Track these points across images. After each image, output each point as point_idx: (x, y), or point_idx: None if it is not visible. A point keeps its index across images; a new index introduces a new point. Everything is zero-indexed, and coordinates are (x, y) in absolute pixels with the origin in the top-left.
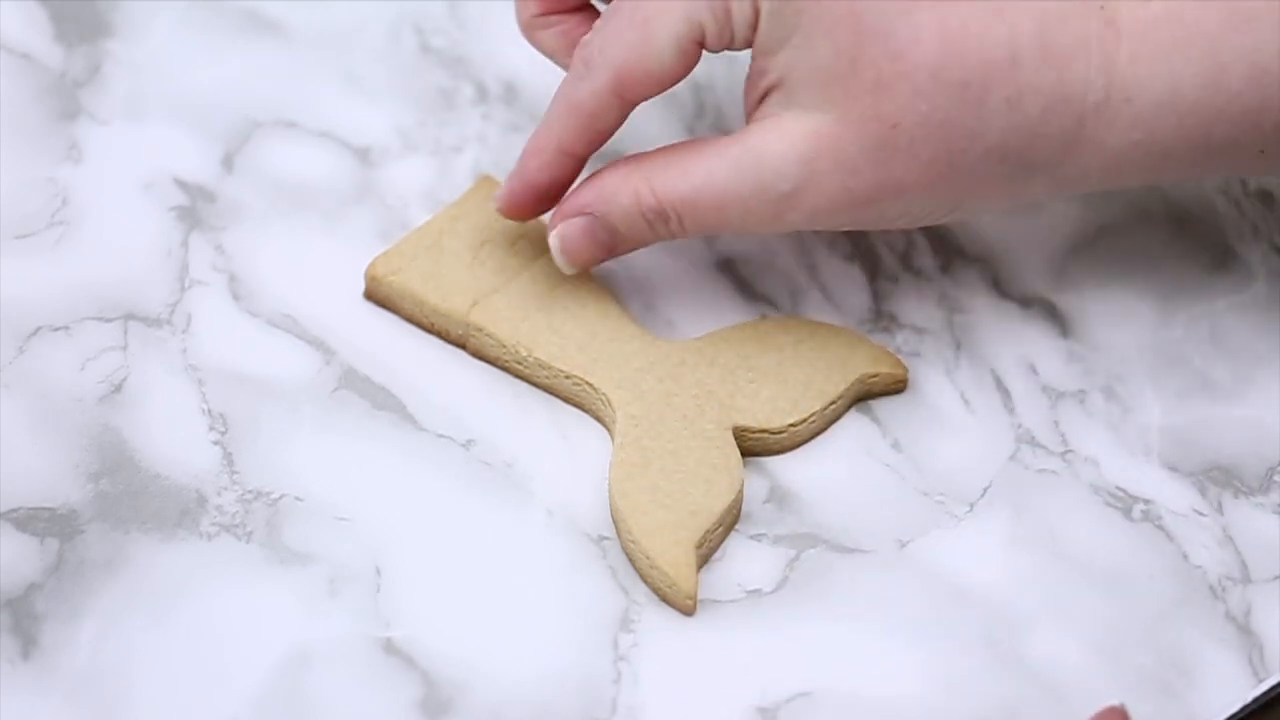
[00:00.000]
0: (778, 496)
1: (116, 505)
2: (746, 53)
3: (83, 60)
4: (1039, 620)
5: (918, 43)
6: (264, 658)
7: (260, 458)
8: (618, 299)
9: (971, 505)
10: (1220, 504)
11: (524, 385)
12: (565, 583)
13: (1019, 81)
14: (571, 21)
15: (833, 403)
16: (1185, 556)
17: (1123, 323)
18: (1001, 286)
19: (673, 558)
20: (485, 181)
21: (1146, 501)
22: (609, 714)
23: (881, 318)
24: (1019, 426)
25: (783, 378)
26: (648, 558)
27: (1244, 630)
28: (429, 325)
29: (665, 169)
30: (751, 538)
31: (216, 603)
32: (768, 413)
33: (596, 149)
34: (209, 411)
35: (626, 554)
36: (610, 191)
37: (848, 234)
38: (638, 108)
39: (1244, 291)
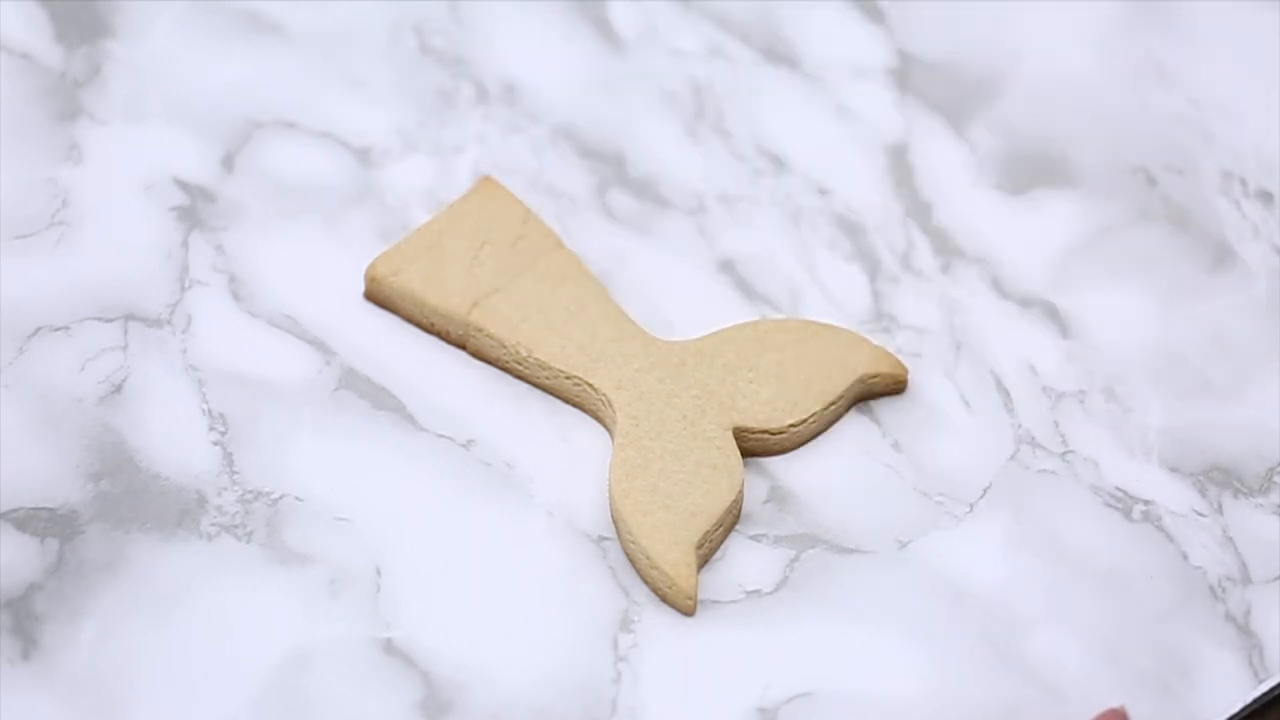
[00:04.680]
0: (778, 496)
1: (116, 505)
2: (746, 53)
3: (83, 60)
4: (1039, 620)
5: None
6: (264, 658)
7: (260, 458)
8: (618, 299)
9: (971, 505)
10: (1220, 504)
11: (524, 385)
12: (565, 583)
13: None
14: None
15: (833, 403)
16: (1185, 557)
17: (1123, 323)
18: (1001, 286)
19: (673, 558)
20: (485, 182)
21: (1146, 502)
22: (609, 714)
23: (881, 318)
24: (1019, 426)
25: (783, 378)
26: (648, 558)
27: (1244, 631)
28: (429, 325)
29: None
30: (751, 538)
31: (216, 603)
32: (768, 413)
33: None
34: (209, 411)
35: (626, 554)
36: None
37: (848, 234)
38: (636, 106)
39: (1244, 291)
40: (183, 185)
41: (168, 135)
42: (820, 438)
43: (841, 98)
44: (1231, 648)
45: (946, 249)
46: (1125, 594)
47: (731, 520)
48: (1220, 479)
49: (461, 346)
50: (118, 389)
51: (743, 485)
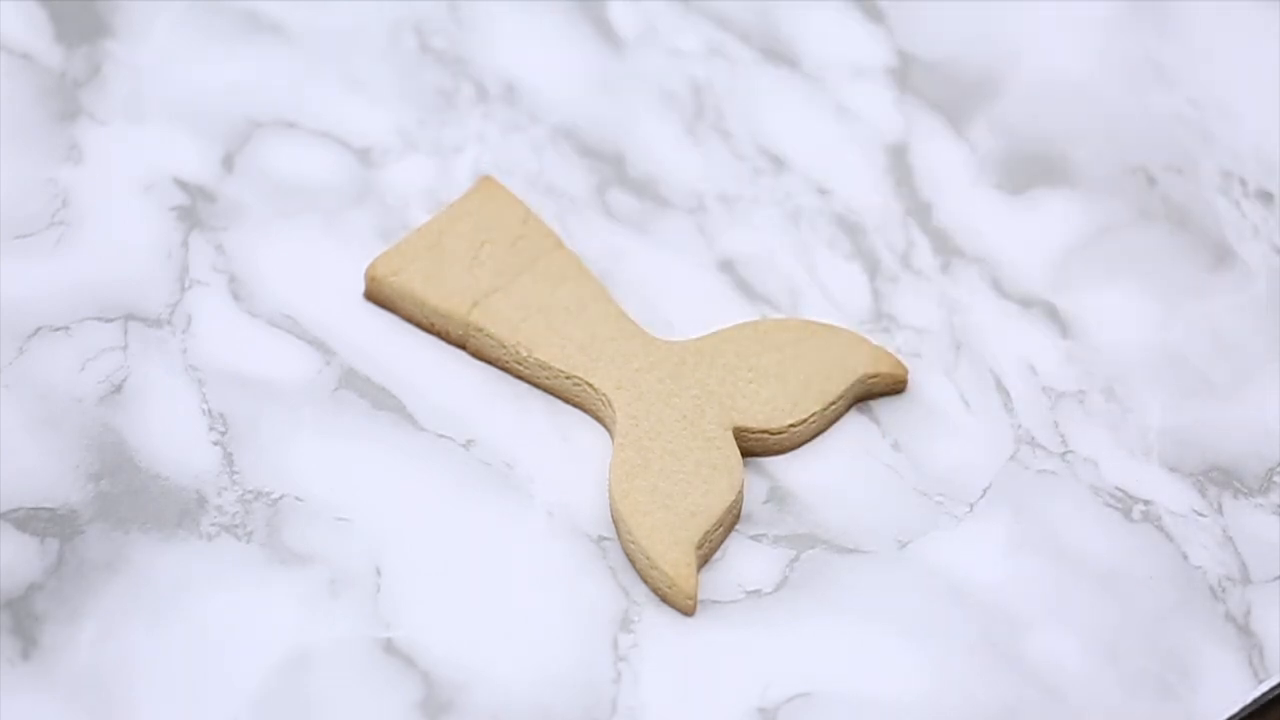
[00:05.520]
0: (778, 496)
1: (116, 505)
2: (746, 53)
3: (83, 60)
4: (1039, 620)
5: None
6: (264, 658)
7: (260, 458)
8: (618, 299)
9: (971, 505)
10: (1220, 504)
11: (524, 385)
12: (565, 583)
13: None
14: None
15: (833, 403)
16: (1185, 557)
17: (1123, 323)
18: (1001, 286)
19: (673, 558)
20: (485, 181)
21: (1146, 502)
22: (609, 714)
23: (881, 318)
24: (1019, 426)
25: (783, 378)
26: (648, 558)
27: (1244, 631)
28: (429, 325)
29: None
30: (751, 538)
31: (216, 603)
32: (768, 413)
33: None
34: (209, 411)
35: (626, 554)
36: None
37: (848, 234)
38: (636, 106)
39: (1244, 291)
40: (183, 185)
41: (168, 135)
42: (820, 438)
43: (841, 98)
44: (1231, 648)
45: (946, 249)
46: (1125, 594)
47: (731, 520)
48: (1220, 479)
49: (461, 346)
50: (118, 389)
51: (743, 485)
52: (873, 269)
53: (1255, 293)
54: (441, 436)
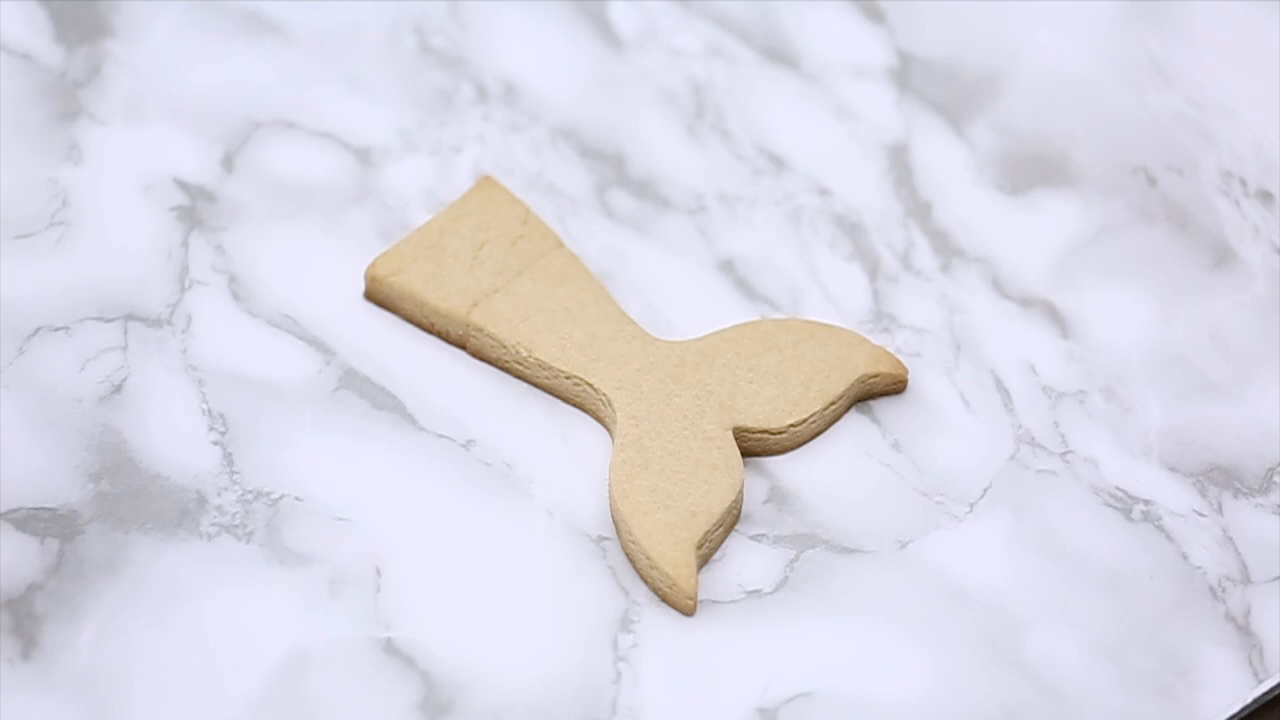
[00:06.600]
0: (778, 497)
1: (116, 505)
2: (746, 53)
3: (83, 60)
4: (1039, 620)
5: None
6: (264, 658)
7: (260, 458)
8: (618, 299)
9: (971, 505)
10: (1220, 504)
11: (524, 385)
12: (565, 583)
13: None
14: None
15: (833, 403)
16: (1185, 557)
17: (1123, 323)
18: (1001, 286)
19: (673, 558)
20: (485, 181)
21: (1146, 502)
22: (609, 714)
23: (881, 318)
24: (1019, 426)
25: (783, 378)
26: (648, 558)
27: (1244, 631)
28: (429, 325)
29: None
30: (751, 538)
31: (216, 603)
32: (768, 413)
33: None
34: (209, 411)
35: (627, 554)
36: None
37: (848, 234)
38: (636, 106)
39: (1244, 291)
40: (183, 185)
41: (168, 135)
42: (820, 438)
43: (841, 98)
44: (1231, 648)
45: (946, 249)
46: (1125, 594)
47: (731, 520)
48: (1220, 479)
49: (461, 346)
50: (118, 389)
51: (743, 485)
52: (873, 269)
53: (1255, 293)
54: (441, 436)
